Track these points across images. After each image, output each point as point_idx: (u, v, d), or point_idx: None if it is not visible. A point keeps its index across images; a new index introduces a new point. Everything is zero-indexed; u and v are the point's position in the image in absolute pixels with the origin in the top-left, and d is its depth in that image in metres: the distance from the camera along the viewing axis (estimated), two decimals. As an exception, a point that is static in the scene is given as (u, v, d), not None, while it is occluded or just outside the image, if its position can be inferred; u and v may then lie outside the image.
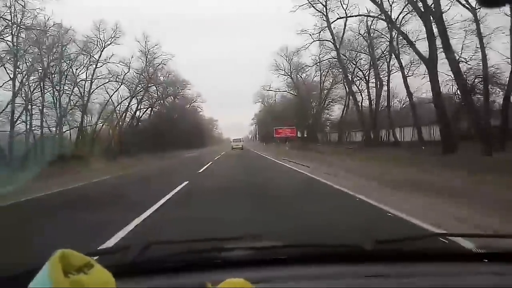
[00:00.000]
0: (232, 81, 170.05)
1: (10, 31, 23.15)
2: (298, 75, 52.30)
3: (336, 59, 38.94)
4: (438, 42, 17.73)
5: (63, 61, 28.36)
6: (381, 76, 34.51)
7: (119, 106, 38.99)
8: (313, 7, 30.20)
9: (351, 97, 38.68)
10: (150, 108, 47.21)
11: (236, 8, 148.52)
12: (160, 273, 1.12)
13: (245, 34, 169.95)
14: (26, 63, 25.00)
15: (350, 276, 1.11)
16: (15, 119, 23.86)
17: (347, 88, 43.32)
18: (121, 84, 36.26)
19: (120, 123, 40.65)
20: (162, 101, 57.84)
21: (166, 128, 53.64)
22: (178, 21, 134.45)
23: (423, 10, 18.31)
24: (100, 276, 0.70)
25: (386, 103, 35.74)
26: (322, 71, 47.75)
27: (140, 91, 40.27)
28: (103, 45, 33.02)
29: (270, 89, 52.27)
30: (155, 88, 43.64)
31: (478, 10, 21.17)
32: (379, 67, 33.98)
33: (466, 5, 22.14)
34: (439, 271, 1.14)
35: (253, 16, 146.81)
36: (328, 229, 4.56)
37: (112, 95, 36.32)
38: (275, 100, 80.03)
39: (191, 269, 1.14)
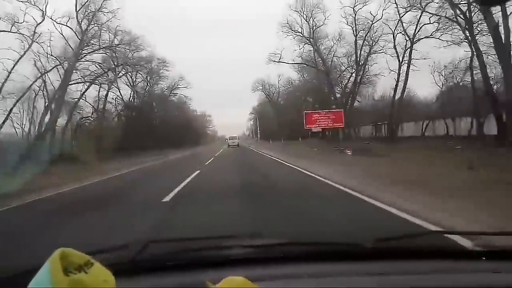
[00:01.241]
0: (227, 80, 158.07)
1: None
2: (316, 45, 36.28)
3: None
4: None
5: None
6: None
7: (42, 82, 22.88)
8: None
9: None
10: (119, 96, 30.97)
11: (234, 9, 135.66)
12: (160, 271, 1.08)
13: (243, 34, 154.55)
14: None
15: (351, 274, 1.07)
16: None
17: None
18: (32, 43, 20.29)
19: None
20: (136, 89, 42.18)
21: (139, 123, 38.16)
22: (173, 20, 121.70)
23: None
24: (100, 274, 0.69)
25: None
26: (357, 32, 31.86)
27: (83, 57, 24.19)
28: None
29: (281, 60, 35.50)
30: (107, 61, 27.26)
31: None
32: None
33: None
34: (439, 269, 1.10)
35: (250, 16, 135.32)
36: (328, 227, 4.25)
37: (17, 63, 20.23)
38: (279, 89, 64.28)
39: (191, 268, 1.10)
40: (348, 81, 35.95)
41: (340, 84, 36.73)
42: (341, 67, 37.25)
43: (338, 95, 37.73)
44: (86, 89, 24.95)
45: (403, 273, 1.08)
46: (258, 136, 67.32)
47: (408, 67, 26.65)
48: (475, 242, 1.51)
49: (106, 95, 30.42)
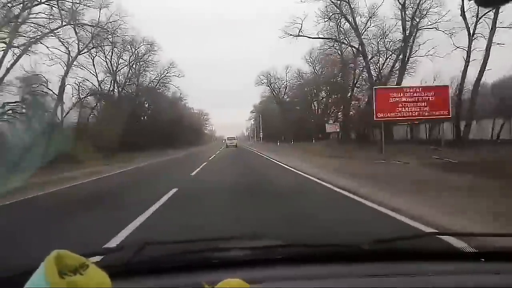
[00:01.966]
0: (226, 80, 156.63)
1: None
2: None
3: None
4: None
5: None
6: None
7: None
8: None
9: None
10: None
11: (234, 9, 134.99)
12: (156, 273, 1.06)
13: (242, 34, 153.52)
14: None
15: (348, 276, 1.06)
16: None
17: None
18: None
19: None
20: (117, 75, 34.05)
21: (115, 117, 30.14)
22: (173, 20, 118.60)
23: None
24: (96, 276, 0.68)
25: None
26: None
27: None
28: None
29: (302, 34, 26.39)
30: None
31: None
32: None
33: None
34: (438, 270, 1.08)
35: (250, 16, 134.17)
36: (325, 229, 4.07)
37: None
38: (286, 83, 55.99)
39: (188, 270, 1.07)
40: (384, 65, 27.69)
41: (376, 69, 28.36)
42: (373, 48, 29.02)
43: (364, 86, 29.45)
44: (15, 63, 16.52)
45: (402, 275, 1.05)
46: (261, 136, 58.87)
47: (490, 39, 18.40)
48: (473, 244, 1.35)
49: (63, 76, 22.00)
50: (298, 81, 52.18)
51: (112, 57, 36.52)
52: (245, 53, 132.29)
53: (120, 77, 38.13)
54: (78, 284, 0.63)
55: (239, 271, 1.01)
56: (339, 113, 46.25)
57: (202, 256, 1.16)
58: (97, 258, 0.84)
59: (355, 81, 32.85)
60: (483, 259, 1.14)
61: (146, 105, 46.67)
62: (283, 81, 55.76)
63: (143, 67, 38.97)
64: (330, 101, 47.66)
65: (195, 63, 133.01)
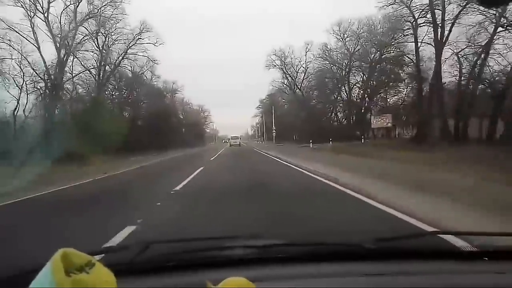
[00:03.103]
0: (230, 81, 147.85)
1: None
2: None
3: None
4: None
5: None
6: None
7: None
8: None
9: None
10: None
11: (237, 8, 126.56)
12: (161, 272, 1.06)
13: (247, 34, 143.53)
14: None
15: (351, 275, 1.05)
16: None
17: None
18: None
19: None
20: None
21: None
22: (172, 21, 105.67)
23: None
24: (102, 275, 0.68)
25: None
26: None
27: None
28: None
29: None
30: None
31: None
32: None
33: None
34: (440, 270, 1.06)
35: (252, 16, 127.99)
36: (328, 228, 4.08)
37: None
38: (306, 64, 42.86)
39: (192, 268, 1.07)
40: None
41: None
42: None
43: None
44: None
45: (404, 274, 1.04)
46: (274, 134, 45.59)
47: None
48: (475, 243, 1.29)
49: None
50: (324, 60, 38.94)
51: (49, 12, 23.62)
52: (248, 53, 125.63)
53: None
54: (84, 283, 0.62)
55: (241, 270, 1.00)
56: (390, 99, 33.23)
57: (205, 255, 1.14)
58: (103, 256, 0.75)
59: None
60: (486, 258, 1.11)
61: (124, 93, 33.79)
62: (301, 63, 42.53)
63: (104, 30, 25.80)
64: (371, 84, 34.53)
65: (196, 63, 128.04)
